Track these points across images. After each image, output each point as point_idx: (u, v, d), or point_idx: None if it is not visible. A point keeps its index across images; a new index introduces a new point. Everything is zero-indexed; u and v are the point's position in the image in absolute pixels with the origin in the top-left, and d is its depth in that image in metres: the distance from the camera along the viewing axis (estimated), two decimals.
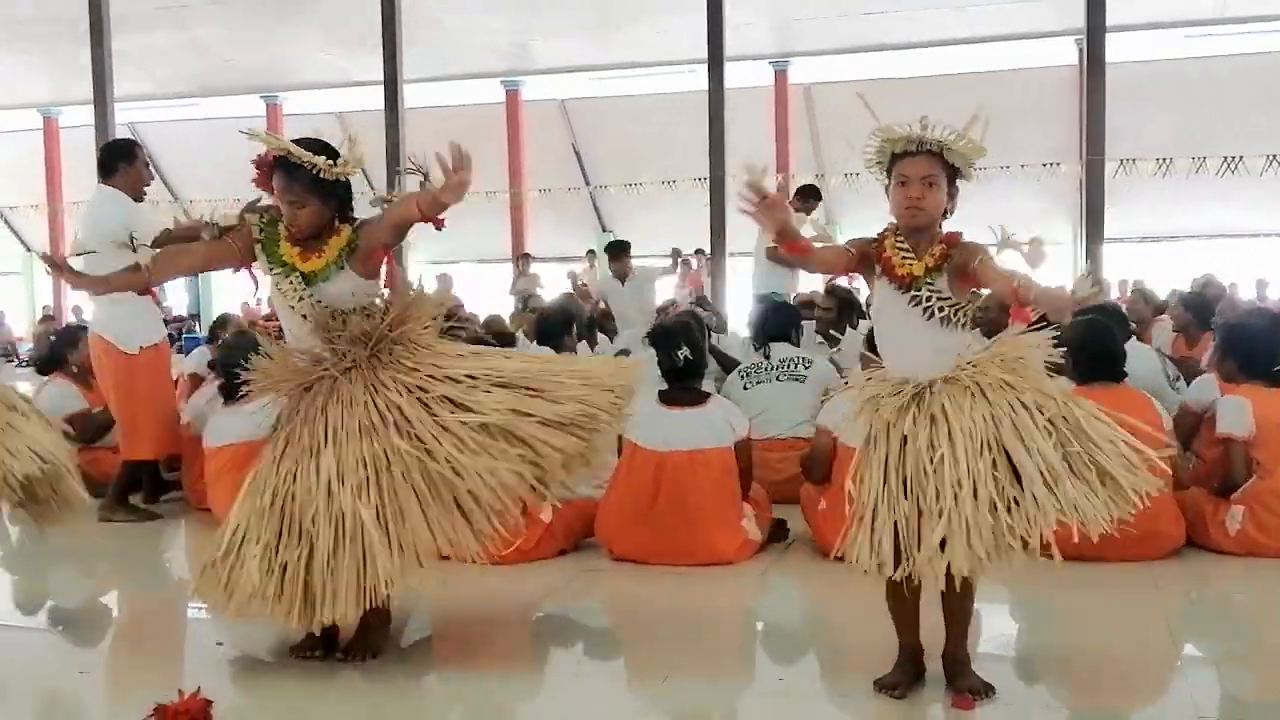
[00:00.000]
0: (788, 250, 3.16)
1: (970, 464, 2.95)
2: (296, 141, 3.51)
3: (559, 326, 6.59)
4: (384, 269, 3.63)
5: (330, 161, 3.46)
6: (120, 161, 5.81)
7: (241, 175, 3.63)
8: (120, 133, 16.97)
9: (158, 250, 3.78)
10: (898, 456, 3.04)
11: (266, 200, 3.66)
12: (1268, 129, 17.30)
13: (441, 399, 3.43)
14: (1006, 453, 2.98)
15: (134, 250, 5.14)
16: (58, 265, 3.51)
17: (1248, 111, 17.79)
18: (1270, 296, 14.87)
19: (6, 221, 26.15)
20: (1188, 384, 5.67)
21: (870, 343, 3.59)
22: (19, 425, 4.24)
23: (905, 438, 3.03)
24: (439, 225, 3.42)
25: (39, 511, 4.29)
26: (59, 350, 7.00)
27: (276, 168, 3.51)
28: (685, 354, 4.85)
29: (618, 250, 10.95)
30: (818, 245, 3.28)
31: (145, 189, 5.92)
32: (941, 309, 3.08)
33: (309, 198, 3.49)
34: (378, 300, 3.64)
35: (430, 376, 3.48)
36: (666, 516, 4.68)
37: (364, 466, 3.35)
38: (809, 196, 9.46)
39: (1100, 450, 3.03)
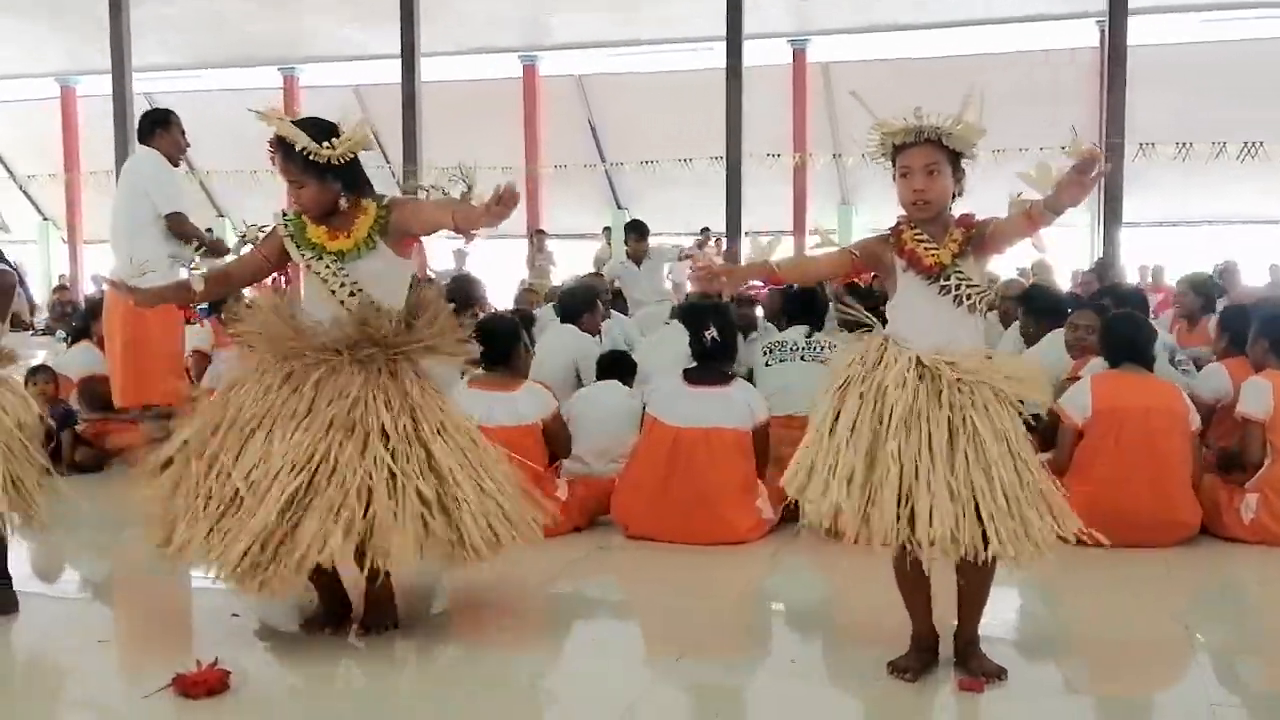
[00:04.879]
0: (773, 284, 3.26)
1: (996, 453, 3.00)
2: (297, 122, 3.50)
3: (583, 305, 6.84)
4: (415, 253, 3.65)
5: (325, 143, 3.44)
6: (157, 127, 6.37)
7: (256, 147, 3.64)
8: (137, 102, 16.98)
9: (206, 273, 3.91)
10: (902, 428, 3.02)
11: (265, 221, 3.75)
12: None
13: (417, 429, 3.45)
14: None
15: (187, 267, 5.56)
16: (118, 285, 3.94)
17: (1269, 97, 17.61)
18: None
19: (23, 190, 26.20)
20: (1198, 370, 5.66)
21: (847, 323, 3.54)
22: None
23: (917, 413, 3.03)
24: (470, 238, 3.44)
25: None
26: (86, 320, 7.39)
27: (278, 147, 3.51)
28: (712, 335, 4.85)
29: (639, 232, 10.44)
30: (813, 255, 3.39)
31: (181, 154, 6.55)
32: (970, 295, 3.12)
33: (305, 178, 3.49)
34: (407, 289, 3.61)
35: (417, 406, 3.48)
36: (681, 494, 4.70)
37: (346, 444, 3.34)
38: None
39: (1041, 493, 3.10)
